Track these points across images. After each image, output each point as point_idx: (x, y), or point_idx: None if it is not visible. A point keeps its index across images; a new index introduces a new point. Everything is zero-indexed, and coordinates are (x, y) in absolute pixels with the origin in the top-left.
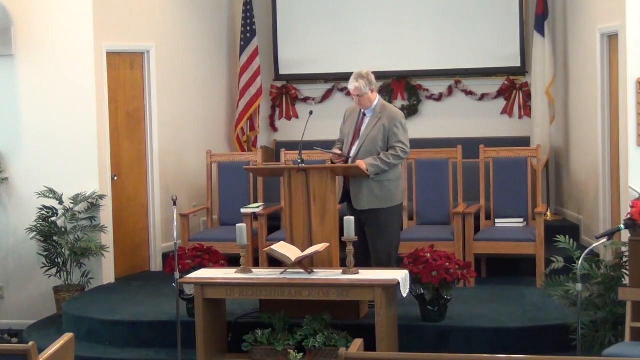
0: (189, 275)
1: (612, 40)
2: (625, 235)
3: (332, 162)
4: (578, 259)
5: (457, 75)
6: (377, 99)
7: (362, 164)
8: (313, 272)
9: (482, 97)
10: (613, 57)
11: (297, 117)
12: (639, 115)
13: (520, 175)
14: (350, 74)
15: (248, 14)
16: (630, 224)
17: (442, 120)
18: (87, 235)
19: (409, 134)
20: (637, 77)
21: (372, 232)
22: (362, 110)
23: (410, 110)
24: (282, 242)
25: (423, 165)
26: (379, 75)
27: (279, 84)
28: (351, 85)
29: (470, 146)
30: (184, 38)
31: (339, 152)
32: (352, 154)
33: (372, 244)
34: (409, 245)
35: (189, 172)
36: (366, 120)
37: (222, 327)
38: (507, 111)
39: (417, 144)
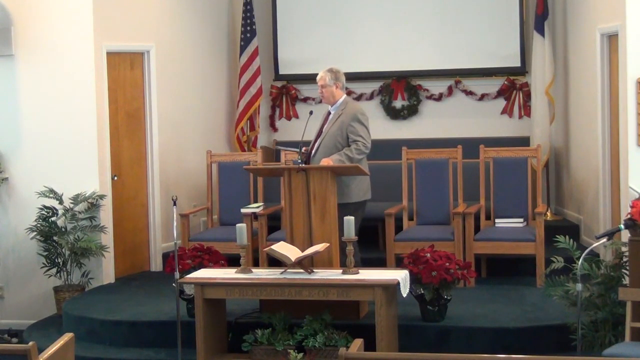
0: (189, 275)
1: (612, 40)
2: (625, 235)
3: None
4: (578, 259)
5: (457, 75)
6: (342, 97)
7: (328, 161)
8: (313, 272)
9: (482, 97)
10: (613, 57)
11: (297, 117)
12: (639, 115)
13: (520, 175)
14: (351, 74)
15: (248, 14)
16: (630, 224)
17: (442, 120)
18: (87, 235)
19: (370, 129)
20: (637, 77)
21: None
22: (328, 109)
23: (410, 110)
24: (282, 242)
25: (423, 165)
26: (379, 75)
27: (279, 84)
28: (320, 74)
29: (470, 146)
30: (184, 38)
31: (304, 149)
32: (313, 150)
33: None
34: (409, 245)
35: (189, 172)
36: (329, 118)
37: (222, 327)
38: (507, 111)
39: (417, 144)
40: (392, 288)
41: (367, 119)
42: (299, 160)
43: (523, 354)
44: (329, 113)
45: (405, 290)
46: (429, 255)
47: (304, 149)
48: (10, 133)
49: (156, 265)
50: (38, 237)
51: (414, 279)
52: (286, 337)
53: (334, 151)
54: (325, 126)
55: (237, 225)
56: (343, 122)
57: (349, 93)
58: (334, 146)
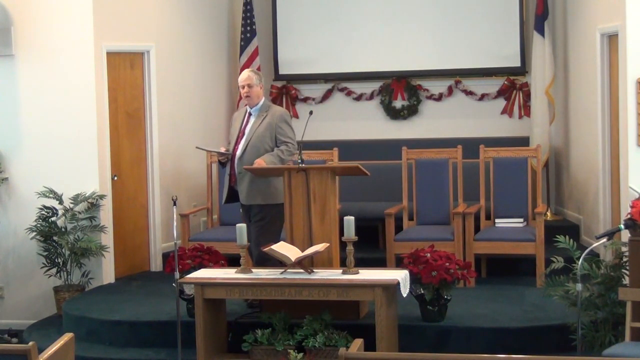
0: (189, 275)
1: (612, 40)
2: (625, 235)
3: (220, 162)
4: (578, 259)
5: (457, 75)
6: (263, 98)
7: (261, 162)
8: (313, 272)
9: (482, 97)
10: (613, 57)
11: (297, 117)
12: (639, 115)
13: (520, 175)
14: (351, 74)
15: (248, 14)
16: (630, 224)
17: (442, 120)
18: (87, 235)
19: (294, 131)
20: (637, 77)
21: (256, 227)
22: (248, 111)
23: (410, 110)
24: (282, 242)
25: (423, 165)
26: (379, 75)
27: (279, 84)
28: (244, 74)
29: (470, 146)
30: (184, 38)
31: (223, 149)
32: (238, 152)
33: (255, 240)
34: (409, 245)
35: (189, 172)
36: (252, 119)
37: (222, 327)
38: (507, 111)
39: (417, 144)
40: (392, 288)
41: (291, 120)
42: (299, 160)
43: (523, 354)
44: (249, 114)
45: (405, 290)
46: (429, 255)
47: (222, 149)
48: (10, 133)
49: (156, 265)
50: (38, 237)
51: (414, 279)
52: (286, 337)
53: (262, 152)
54: (249, 127)
55: (237, 225)
56: (270, 124)
57: (348, 93)
58: (262, 147)
